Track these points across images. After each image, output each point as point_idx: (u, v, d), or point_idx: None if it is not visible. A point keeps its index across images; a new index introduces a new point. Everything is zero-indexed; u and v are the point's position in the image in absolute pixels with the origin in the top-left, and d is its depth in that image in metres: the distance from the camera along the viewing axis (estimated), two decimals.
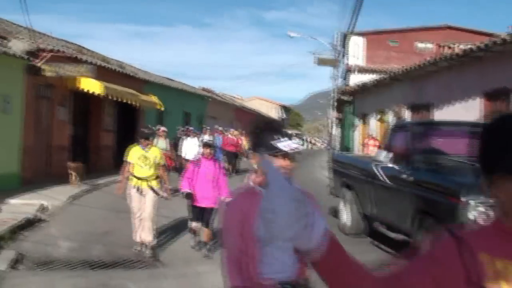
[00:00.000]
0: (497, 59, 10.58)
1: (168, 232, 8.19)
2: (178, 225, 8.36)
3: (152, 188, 6.83)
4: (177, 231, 8.04)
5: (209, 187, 6.37)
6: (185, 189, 6.43)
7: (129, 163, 6.93)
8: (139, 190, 6.79)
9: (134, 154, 6.95)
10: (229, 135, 19.45)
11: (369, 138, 16.83)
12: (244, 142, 19.81)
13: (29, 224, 8.22)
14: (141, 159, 6.87)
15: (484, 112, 11.09)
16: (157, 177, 7.04)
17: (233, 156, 18.57)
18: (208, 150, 6.73)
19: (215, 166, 6.60)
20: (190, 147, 13.26)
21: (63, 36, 22.02)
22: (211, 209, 6.40)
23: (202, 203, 6.41)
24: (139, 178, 6.84)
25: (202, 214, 6.53)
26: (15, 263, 6.05)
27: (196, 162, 6.74)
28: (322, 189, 10.87)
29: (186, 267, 6.14)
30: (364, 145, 17.02)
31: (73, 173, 12.38)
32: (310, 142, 78.99)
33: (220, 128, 20.43)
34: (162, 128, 12.06)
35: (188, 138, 14.11)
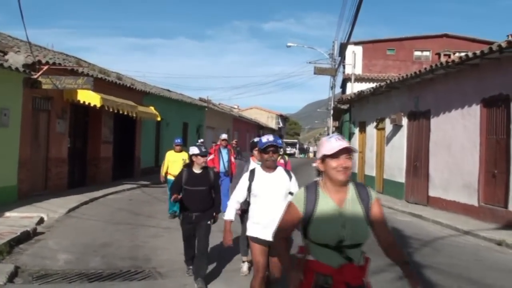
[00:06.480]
0: (494, 66, 10.61)
1: (167, 242, 8.15)
2: (176, 236, 8.31)
3: None
4: (174, 241, 7.99)
5: None
6: None
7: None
8: None
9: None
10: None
11: None
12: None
13: (26, 237, 8.17)
14: None
15: (482, 118, 11.09)
16: None
17: None
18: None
19: None
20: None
21: (64, 50, 22.05)
22: None
23: None
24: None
25: None
26: (12, 276, 5.99)
27: None
28: None
29: (186, 278, 6.09)
30: None
31: None
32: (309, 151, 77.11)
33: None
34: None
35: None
